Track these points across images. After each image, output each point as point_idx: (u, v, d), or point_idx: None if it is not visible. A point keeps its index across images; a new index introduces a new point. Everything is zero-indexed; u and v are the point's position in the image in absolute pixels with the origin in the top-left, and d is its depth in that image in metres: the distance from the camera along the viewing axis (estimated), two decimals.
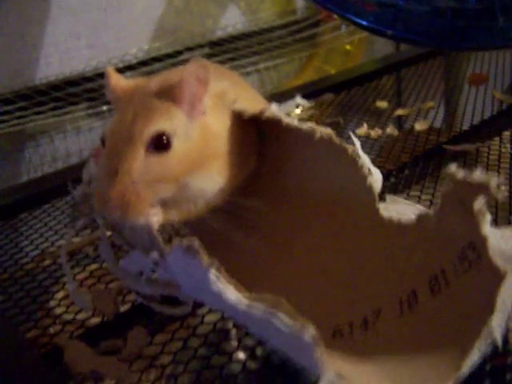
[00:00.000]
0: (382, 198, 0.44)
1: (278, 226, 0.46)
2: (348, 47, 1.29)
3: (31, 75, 1.02)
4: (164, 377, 0.39)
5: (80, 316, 0.45)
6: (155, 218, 0.39)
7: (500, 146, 0.65)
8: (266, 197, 0.47)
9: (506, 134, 0.68)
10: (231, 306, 0.31)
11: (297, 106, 0.45)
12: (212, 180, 0.42)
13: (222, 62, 1.06)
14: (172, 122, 0.39)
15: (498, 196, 0.32)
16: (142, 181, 0.37)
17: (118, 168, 0.37)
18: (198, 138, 0.40)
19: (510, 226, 0.50)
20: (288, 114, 0.77)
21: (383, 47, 1.41)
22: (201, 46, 1.17)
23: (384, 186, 0.57)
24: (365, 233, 0.42)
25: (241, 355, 0.40)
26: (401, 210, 0.42)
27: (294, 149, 0.45)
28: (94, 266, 0.51)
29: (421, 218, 0.38)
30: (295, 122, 0.41)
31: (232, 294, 0.30)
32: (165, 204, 0.40)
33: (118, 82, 0.42)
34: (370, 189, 0.40)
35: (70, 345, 0.41)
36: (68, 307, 0.46)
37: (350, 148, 0.40)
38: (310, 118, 0.74)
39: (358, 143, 0.45)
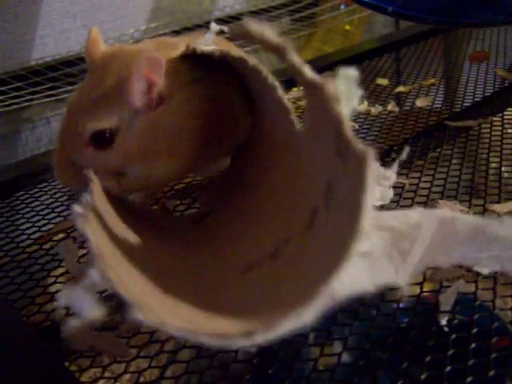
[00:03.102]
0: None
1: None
2: (347, 27, 1.27)
3: (27, 56, 1.01)
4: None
5: None
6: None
7: (502, 125, 0.64)
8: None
9: (510, 110, 0.67)
10: None
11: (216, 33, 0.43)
12: (159, 171, 0.41)
13: None
14: (116, 117, 0.38)
15: (293, 60, 0.28)
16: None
17: (63, 148, 0.39)
18: (144, 134, 0.39)
19: None
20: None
21: (383, 28, 1.40)
22: (198, 27, 1.15)
23: (385, 162, 0.56)
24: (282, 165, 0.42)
25: None
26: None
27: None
28: None
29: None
30: (232, 52, 0.41)
31: None
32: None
33: (94, 50, 0.41)
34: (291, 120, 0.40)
35: (67, 321, 0.40)
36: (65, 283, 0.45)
37: (264, 70, 0.40)
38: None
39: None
